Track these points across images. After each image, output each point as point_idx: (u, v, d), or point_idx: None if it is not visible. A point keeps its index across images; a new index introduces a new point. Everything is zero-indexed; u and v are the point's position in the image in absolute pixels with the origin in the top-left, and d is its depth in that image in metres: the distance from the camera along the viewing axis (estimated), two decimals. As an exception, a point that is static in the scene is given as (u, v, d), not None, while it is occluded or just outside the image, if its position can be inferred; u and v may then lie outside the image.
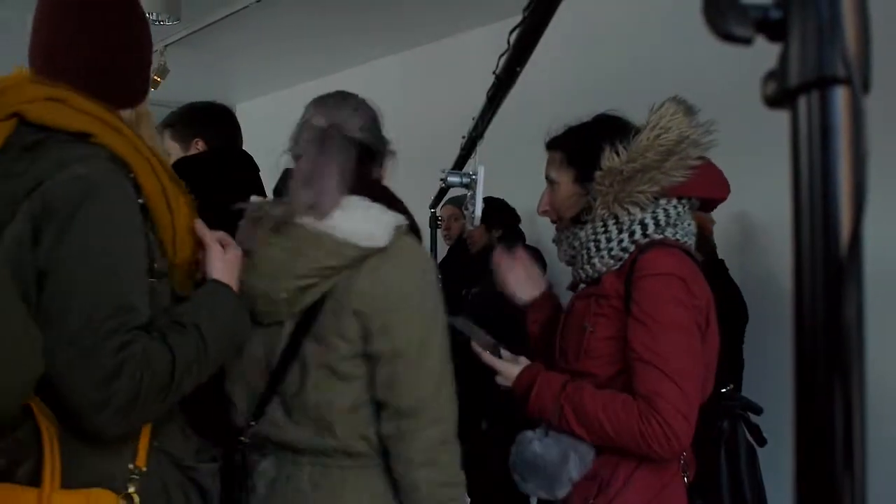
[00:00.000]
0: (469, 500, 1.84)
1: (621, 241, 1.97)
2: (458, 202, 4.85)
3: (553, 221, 2.20)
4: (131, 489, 1.45)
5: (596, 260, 2.00)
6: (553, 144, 2.15)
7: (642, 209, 1.96)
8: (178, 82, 5.76)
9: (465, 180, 2.54)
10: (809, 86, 0.50)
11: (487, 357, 2.12)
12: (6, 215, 1.37)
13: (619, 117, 2.09)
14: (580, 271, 2.08)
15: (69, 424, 1.39)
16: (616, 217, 1.98)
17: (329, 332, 1.73)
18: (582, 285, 2.13)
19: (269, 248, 1.76)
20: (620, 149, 1.94)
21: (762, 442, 2.20)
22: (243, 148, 2.89)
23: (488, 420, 4.08)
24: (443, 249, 4.46)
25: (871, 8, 0.53)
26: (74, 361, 1.33)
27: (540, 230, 4.94)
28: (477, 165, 2.48)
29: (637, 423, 1.81)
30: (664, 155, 1.90)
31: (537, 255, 4.54)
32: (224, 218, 2.28)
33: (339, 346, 1.73)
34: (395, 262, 1.75)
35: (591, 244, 2.01)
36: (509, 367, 2.10)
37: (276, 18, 5.30)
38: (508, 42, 1.87)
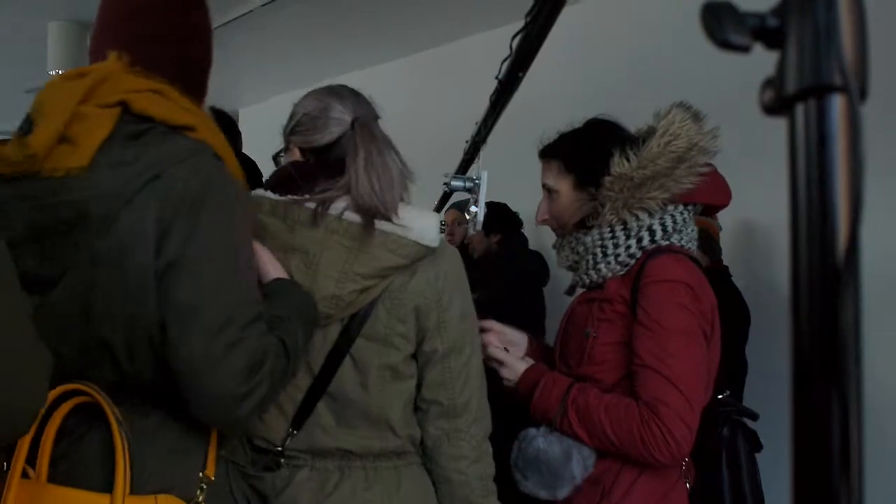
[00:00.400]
0: None
1: (629, 247, 1.96)
2: (462, 207, 4.85)
3: (554, 229, 2.18)
4: (200, 497, 1.44)
5: (602, 266, 1.99)
6: (549, 153, 2.13)
7: (651, 215, 1.96)
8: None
9: (469, 184, 2.54)
10: (806, 94, 0.50)
11: (495, 350, 2.10)
12: (119, 202, 1.32)
13: (613, 122, 2.09)
14: (584, 276, 2.07)
15: (197, 418, 1.39)
16: (624, 223, 1.97)
17: (390, 332, 1.70)
18: (580, 289, 2.12)
19: (326, 248, 1.67)
20: (631, 155, 1.94)
21: (758, 447, 2.20)
22: (244, 152, 2.91)
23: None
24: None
25: (869, 14, 0.53)
26: (219, 355, 1.31)
27: (544, 235, 4.94)
28: (480, 170, 2.49)
29: (638, 429, 1.80)
30: (675, 162, 1.91)
31: (540, 260, 4.54)
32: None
33: (401, 346, 1.72)
34: (442, 262, 1.76)
35: (598, 250, 2.00)
36: (516, 363, 2.08)
37: (278, 23, 5.32)
38: (511, 47, 1.87)
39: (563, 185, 2.08)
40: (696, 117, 1.95)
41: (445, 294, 1.74)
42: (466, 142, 2.79)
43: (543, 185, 2.13)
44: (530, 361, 2.10)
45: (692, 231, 2.04)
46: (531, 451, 1.94)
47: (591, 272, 2.02)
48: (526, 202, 4.56)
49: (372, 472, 1.72)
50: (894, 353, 3.32)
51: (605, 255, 1.99)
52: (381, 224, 1.66)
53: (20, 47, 5.88)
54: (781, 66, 0.52)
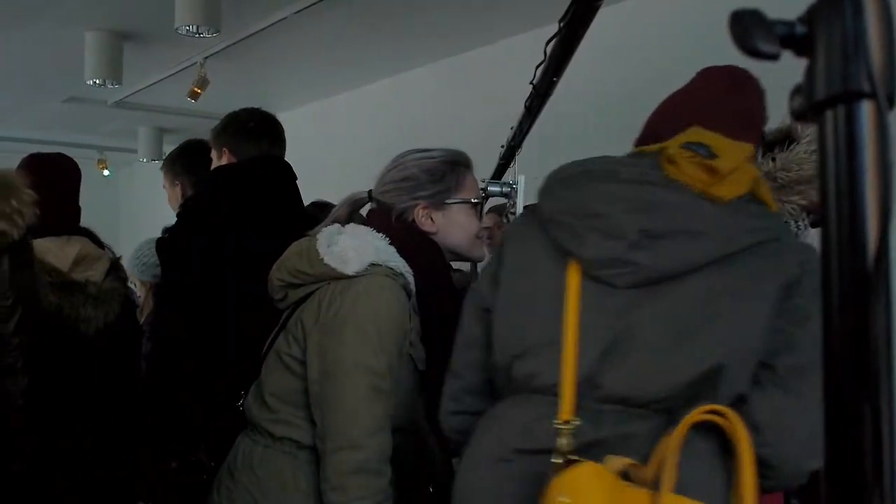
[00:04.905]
0: None
1: None
2: (501, 210, 4.82)
3: None
4: None
5: None
6: None
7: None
8: (218, 94, 5.82)
9: (506, 189, 2.54)
10: (835, 100, 0.50)
11: None
12: (732, 245, 1.37)
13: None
14: None
15: None
16: None
17: None
18: None
19: None
20: (779, 155, 1.86)
21: None
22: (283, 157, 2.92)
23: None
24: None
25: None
26: None
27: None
28: (517, 174, 2.48)
29: None
30: None
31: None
32: (265, 226, 2.31)
33: None
34: None
35: None
36: None
37: (313, 29, 5.33)
38: (545, 52, 1.87)
39: None
40: None
41: None
42: (501, 147, 2.79)
43: None
44: None
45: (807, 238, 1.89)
46: None
47: None
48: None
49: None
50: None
51: None
52: None
53: (57, 56, 5.95)
54: (810, 73, 0.52)
